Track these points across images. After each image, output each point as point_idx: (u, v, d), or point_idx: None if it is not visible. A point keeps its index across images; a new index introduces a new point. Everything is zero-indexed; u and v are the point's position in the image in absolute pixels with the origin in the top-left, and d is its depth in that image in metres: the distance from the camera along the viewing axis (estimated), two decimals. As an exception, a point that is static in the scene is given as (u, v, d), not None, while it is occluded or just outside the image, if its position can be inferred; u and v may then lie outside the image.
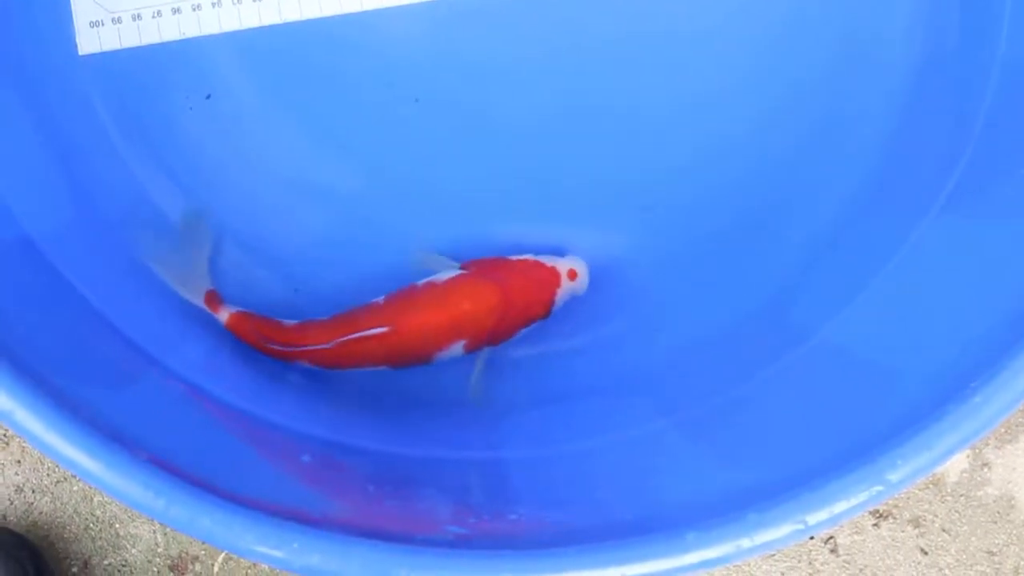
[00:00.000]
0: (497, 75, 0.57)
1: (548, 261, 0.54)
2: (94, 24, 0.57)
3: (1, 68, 0.55)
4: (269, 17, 0.57)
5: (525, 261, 0.54)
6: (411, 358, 0.52)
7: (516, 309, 0.52)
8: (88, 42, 0.57)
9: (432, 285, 0.53)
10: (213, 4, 0.57)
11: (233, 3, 0.57)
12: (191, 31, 0.57)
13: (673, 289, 0.57)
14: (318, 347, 0.52)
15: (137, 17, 0.57)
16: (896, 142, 0.56)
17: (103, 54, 0.57)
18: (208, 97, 0.57)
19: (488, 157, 0.57)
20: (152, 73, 0.57)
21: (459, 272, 0.53)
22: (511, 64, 0.58)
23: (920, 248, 0.52)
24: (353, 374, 0.54)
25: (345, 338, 0.52)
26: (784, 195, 0.57)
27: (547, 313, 0.53)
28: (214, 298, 0.54)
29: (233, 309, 0.53)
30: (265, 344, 0.53)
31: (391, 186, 0.58)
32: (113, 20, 0.57)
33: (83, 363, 0.48)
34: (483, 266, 0.54)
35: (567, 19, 0.57)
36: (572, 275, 0.53)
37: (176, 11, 0.57)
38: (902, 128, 0.56)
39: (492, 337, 0.53)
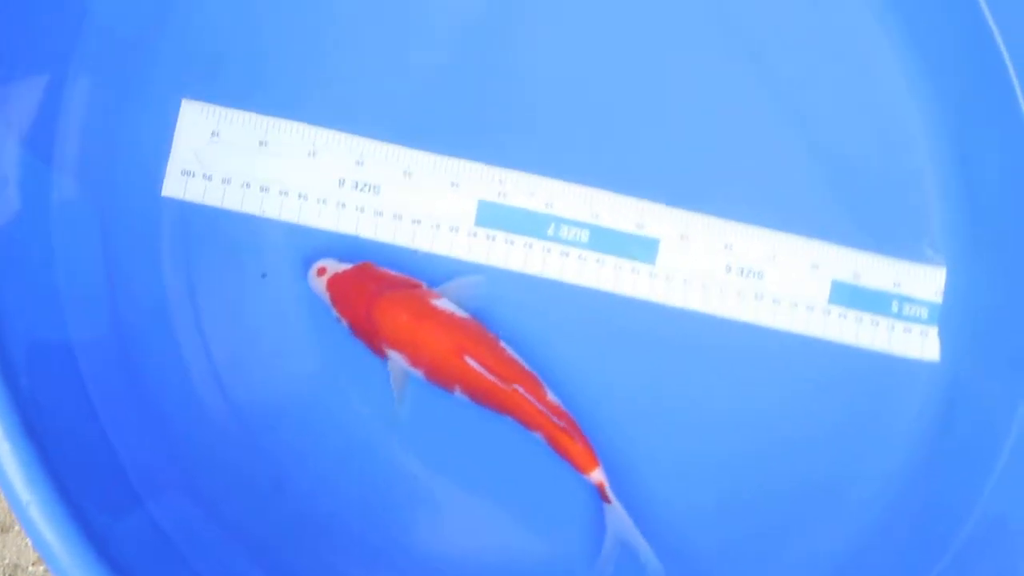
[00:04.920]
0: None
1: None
2: (185, 173, 0.60)
3: (88, 184, 0.58)
4: (347, 227, 0.61)
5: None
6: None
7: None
8: (173, 186, 0.60)
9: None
10: (299, 196, 0.61)
11: (318, 202, 0.61)
12: (271, 212, 0.61)
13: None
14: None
15: (227, 181, 0.61)
16: (904, 496, 0.61)
17: (182, 202, 0.60)
18: (264, 276, 0.60)
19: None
20: (220, 234, 0.60)
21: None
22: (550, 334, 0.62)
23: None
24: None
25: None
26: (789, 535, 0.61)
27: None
28: None
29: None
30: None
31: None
32: (204, 176, 0.60)
33: (91, 480, 0.48)
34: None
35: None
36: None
37: (264, 189, 0.61)
38: (910, 483, 0.61)
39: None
